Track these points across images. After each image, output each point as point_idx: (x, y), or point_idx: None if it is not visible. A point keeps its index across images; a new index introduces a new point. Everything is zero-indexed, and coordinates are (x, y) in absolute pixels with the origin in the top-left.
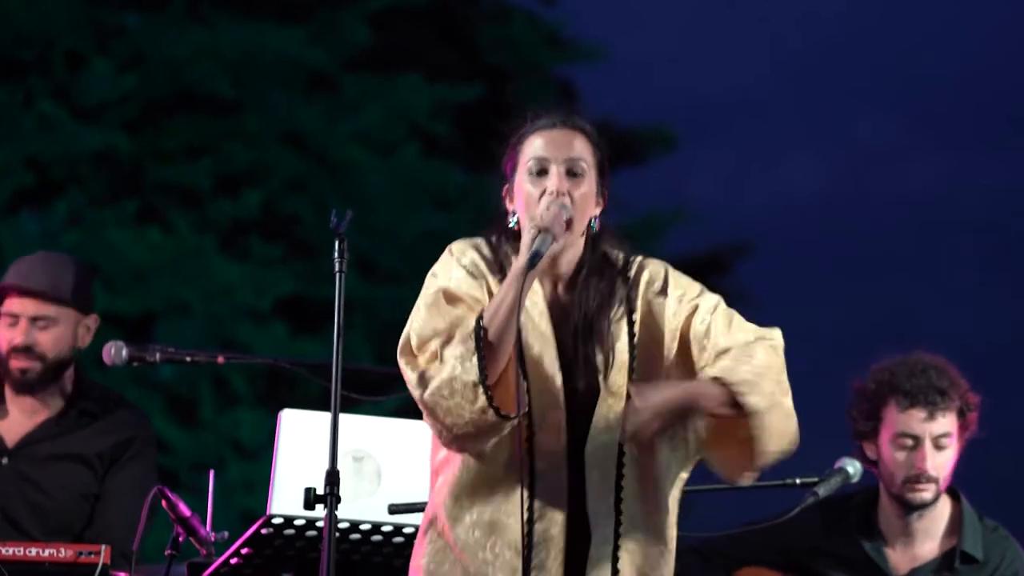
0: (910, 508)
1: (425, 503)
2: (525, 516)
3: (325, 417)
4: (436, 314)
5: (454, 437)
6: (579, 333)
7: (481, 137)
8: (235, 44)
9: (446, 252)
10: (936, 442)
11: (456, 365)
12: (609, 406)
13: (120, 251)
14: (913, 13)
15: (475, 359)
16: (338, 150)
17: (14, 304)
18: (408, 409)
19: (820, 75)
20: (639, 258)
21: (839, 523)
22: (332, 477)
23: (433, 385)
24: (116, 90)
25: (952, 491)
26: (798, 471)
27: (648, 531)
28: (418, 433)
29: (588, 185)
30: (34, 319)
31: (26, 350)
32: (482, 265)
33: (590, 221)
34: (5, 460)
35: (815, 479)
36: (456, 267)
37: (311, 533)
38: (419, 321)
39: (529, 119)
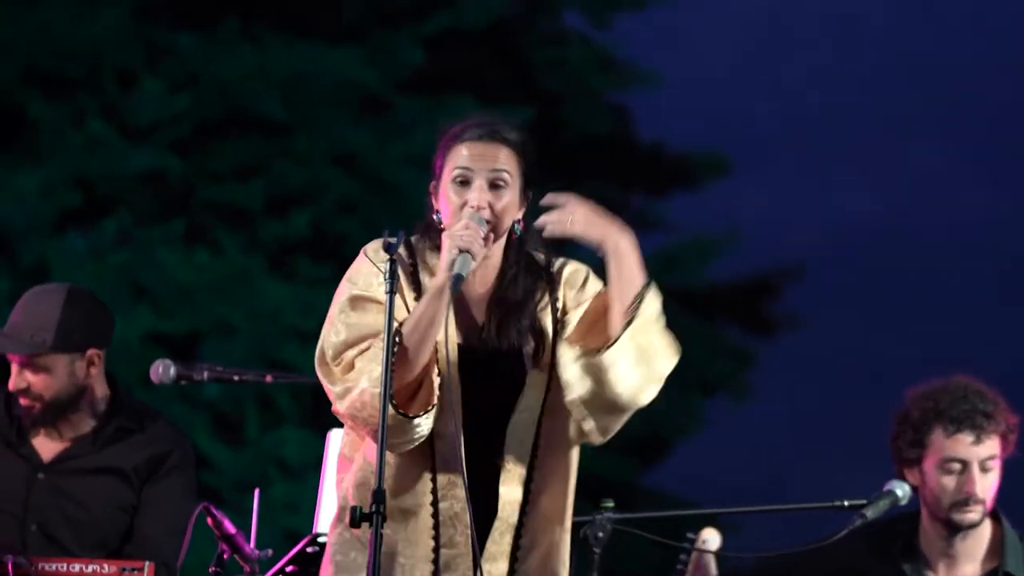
0: (956, 529)
1: None
2: (430, 498)
3: None
4: (348, 324)
5: (370, 438)
6: (499, 326)
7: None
8: (287, 65)
9: (360, 253)
10: (983, 465)
11: (366, 377)
12: (531, 392)
13: (168, 271)
14: (965, 41)
15: (388, 372)
16: (389, 171)
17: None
18: None
19: (872, 101)
20: (561, 262)
21: (884, 548)
22: (378, 496)
23: (348, 399)
24: (167, 110)
25: (993, 512)
26: (846, 493)
27: (552, 509)
28: None
29: (510, 196)
30: (23, 365)
31: (23, 392)
32: (395, 265)
33: (513, 225)
34: (41, 475)
35: (863, 501)
36: (369, 269)
37: None
38: (332, 332)
39: (460, 124)
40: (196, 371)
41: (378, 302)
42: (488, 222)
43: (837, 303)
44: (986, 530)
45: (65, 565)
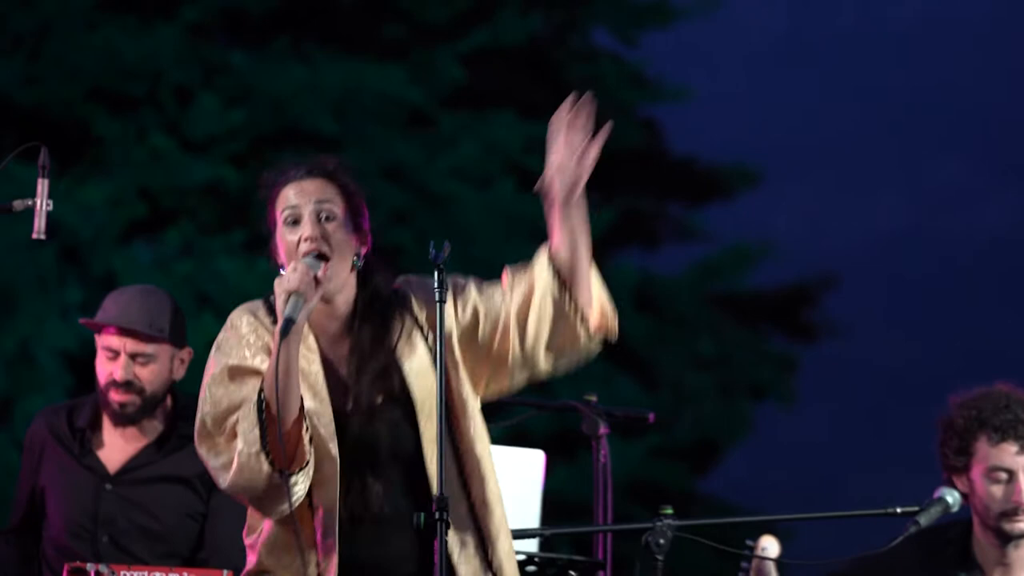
0: (1007, 539)
1: (534, 529)
2: (313, 571)
3: None
4: (224, 393)
5: (263, 510)
6: (361, 371)
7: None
8: (336, 81)
9: (227, 322)
10: None
11: (240, 441)
12: (419, 425)
13: (229, 280)
14: (996, 57)
15: (256, 431)
16: (437, 184)
17: (113, 340)
18: (511, 437)
19: (905, 114)
20: (409, 278)
21: (937, 555)
22: (441, 503)
23: (232, 470)
24: (223, 124)
25: None
26: (898, 500)
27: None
28: (525, 461)
29: (341, 225)
30: (133, 355)
31: (126, 385)
32: (260, 328)
33: (354, 260)
34: (108, 486)
35: (915, 508)
36: (236, 338)
37: None
38: (209, 403)
39: (276, 172)
40: None
41: (254, 371)
42: (322, 256)
43: (873, 312)
44: None
45: (146, 574)
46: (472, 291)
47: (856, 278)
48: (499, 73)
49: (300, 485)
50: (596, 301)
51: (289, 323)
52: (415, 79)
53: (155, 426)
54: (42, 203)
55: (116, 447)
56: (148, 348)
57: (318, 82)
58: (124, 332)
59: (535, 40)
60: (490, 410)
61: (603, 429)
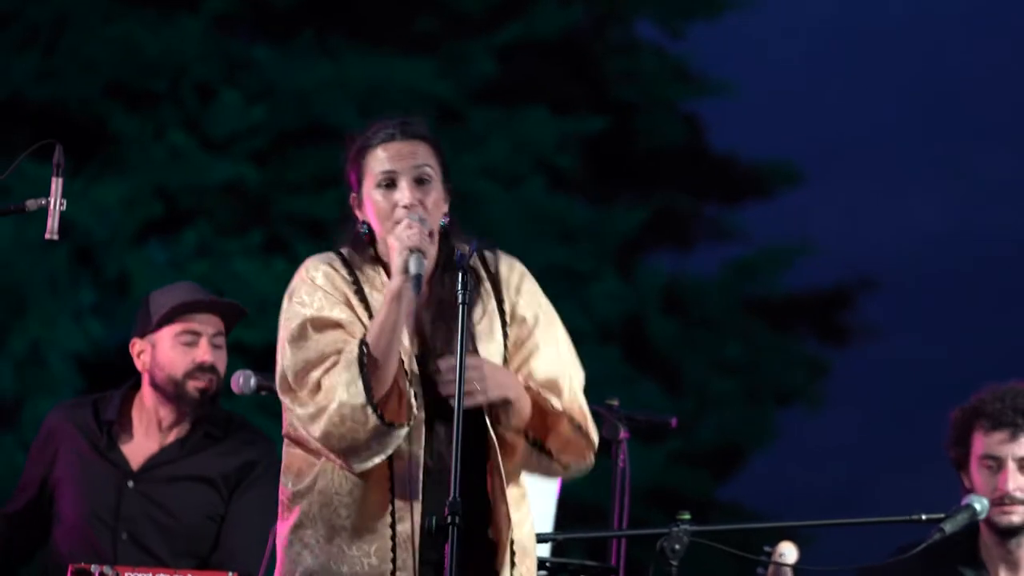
0: (1003, 533)
1: (548, 534)
2: (388, 520)
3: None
4: (305, 346)
5: (353, 460)
6: (441, 334)
7: (606, 170)
8: (362, 76)
9: (300, 271)
10: (1021, 463)
11: (342, 392)
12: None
13: (246, 281)
14: None
15: (360, 383)
16: (464, 182)
17: (194, 322)
18: None
19: (944, 111)
20: (497, 254)
21: (944, 554)
22: (455, 507)
23: (324, 419)
24: (245, 121)
25: None
26: (922, 505)
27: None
28: None
29: (436, 190)
30: (213, 335)
31: (211, 369)
32: (336, 277)
33: (441, 220)
34: (131, 483)
35: (941, 515)
36: (313, 288)
37: None
38: (289, 356)
39: (369, 129)
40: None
41: (335, 322)
42: (422, 220)
43: (912, 313)
44: None
45: (151, 575)
46: (532, 341)
47: (895, 279)
48: (533, 67)
49: (402, 438)
50: (568, 444)
51: (419, 279)
52: (444, 73)
53: (186, 423)
54: (56, 203)
55: (141, 443)
56: (222, 329)
57: (343, 77)
58: (210, 309)
59: (572, 32)
60: None
61: (623, 434)
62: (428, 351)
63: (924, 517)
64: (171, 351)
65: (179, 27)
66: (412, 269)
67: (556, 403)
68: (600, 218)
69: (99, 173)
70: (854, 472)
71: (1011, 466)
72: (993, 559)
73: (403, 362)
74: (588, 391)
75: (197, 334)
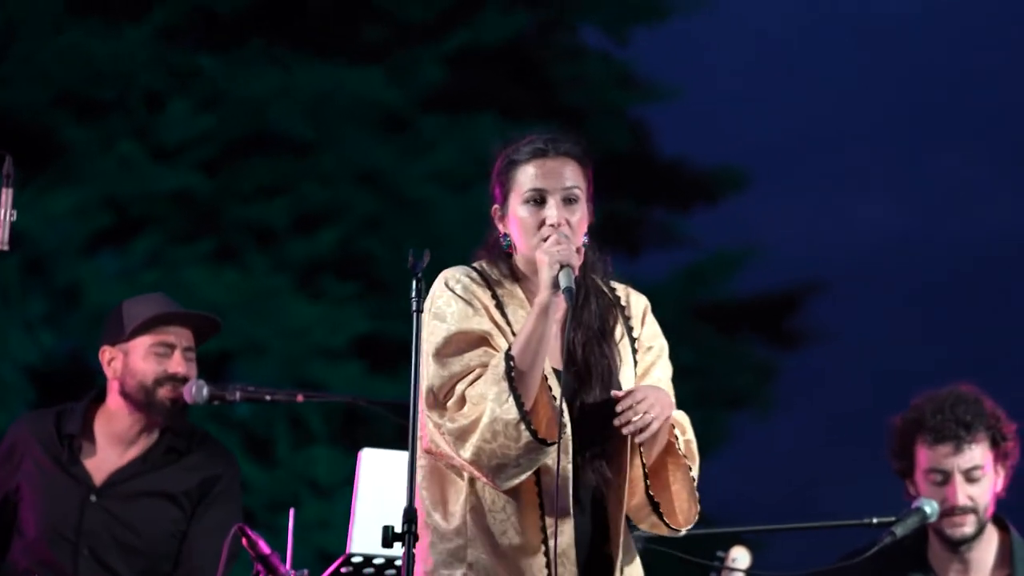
0: (951, 542)
1: None
2: (540, 536)
3: (403, 456)
4: (450, 360)
5: (501, 477)
6: (588, 350)
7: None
8: (310, 85)
9: (440, 284)
10: (967, 475)
11: (494, 407)
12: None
13: (197, 290)
14: (992, 50)
15: (511, 398)
16: (413, 189)
17: (168, 334)
18: None
19: (892, 114)
20: (624, 286)
21: (893, 559)
22: (410, 515)
23: (475, 436)
24: (194, 130)
25: (999, 521)
26: (874, 510)
27: (628, 536)
28: None
29: (581, 210)
30: (186, 349)
31: (183, 380)
32: (475, 288)
33: (584, 239)
34: (93, 498)
35: (892, 519)
36: (455, 300)
37: (390, 572)
38: (435, 371)
39: (519, 144)
40: (228, 391)
41: (480, 336)
42: (568, 238)
43: (861, 317)
44: (992, 539)
45: None
46: (656, 372)
47: (844, 282)
48: (480, 74)
49: (553, 454)
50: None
51: (570, 292)
52: (393, 81)
53: (153, 435)
54: (6, 213)
55: (104, 457)
56: (193, 343)
57: (292, 86)
58: (185, 321)
59: (518, 39)
60: None
61: None
62: (573, 368)
63: (875, 521)
64: (144, 361)
65: (127, 36)
66: (563, 283)
67: (682, 446)
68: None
69: (49, 183)
70: (805, 476)
71: (958, 478)
72: (941, 565)
73: (546, 377)
74: None
75: (171, 346)
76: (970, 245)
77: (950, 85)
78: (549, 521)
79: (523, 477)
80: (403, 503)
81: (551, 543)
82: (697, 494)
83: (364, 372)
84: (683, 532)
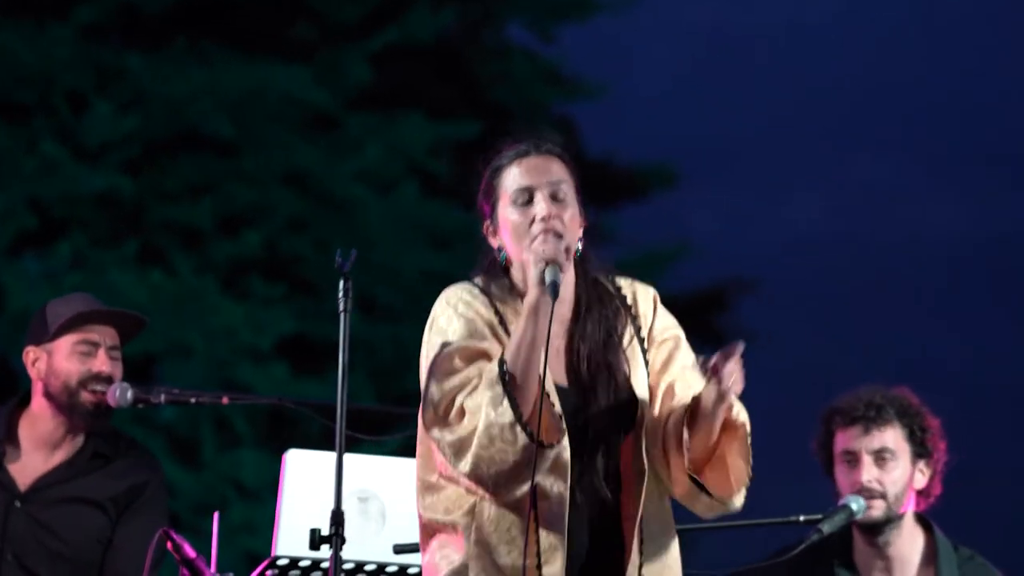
0: (868, 530)
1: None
2: (535, 560)
3: (330, 457)
4: (449, 377)
5: (501, 487)
6: (592, 364)
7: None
8: (236, 84)
9: (441, 302)
10: (876, 456)
11: (488, 412)
12: (637, 434)
13: (122, 292)
14: (915, 53)
15: (506, 401)
16: (339, 189)
17: (92, 333)
18: (411, 448)
19: (819, 114)
20: (629, 281)
21: (821, 557)
22: (337, 517)
23: (473, 445)
24: (117, 131)
25: (924, 522)
26: (802, 509)
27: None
28: None
29: (572, 207)
30: (111, 348)
31: (107, 379)
32: (477, 304)
33: (577, 242)
34: (18, 504)
35: (819, 516)
36: (456, 318)
37: (316, 574)
38: (434, 388)
39: (502, 152)
40: (153, 394)
41: (479, 351)
42: (559, 235)
43: (790, 316)
44: (917, 540)
45: None
46: (678, 362)
47: (772, 281)
48: (407, 72)
49: (550, 460)
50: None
51: (555, 287)
52: (320, 80)
53: (75, 442)
54: None
55: (29, 463)
56: (118, 341)
57: (217, 84)
58: (109, 320)
59: (445, 37)
60: (387, 421)
61: None
62: (577, 384)
63: (802, 518)
64: (67, 360)
65: (49, 36)
66: (548, 277)
67: (737, 410)
68: (475, 223)
69: None
70: None
71: (866, 459)
72: (865, 562)
73: (543, 382)
74: None
75: (95, 344)
76: (893, 245)
77: (875, 87)
78: (544, 545)
79: (525, 487)
80: (330, 505)
81: (545, 570)
82: (750, 465)
83: (290, 373)
84: (738, 503)
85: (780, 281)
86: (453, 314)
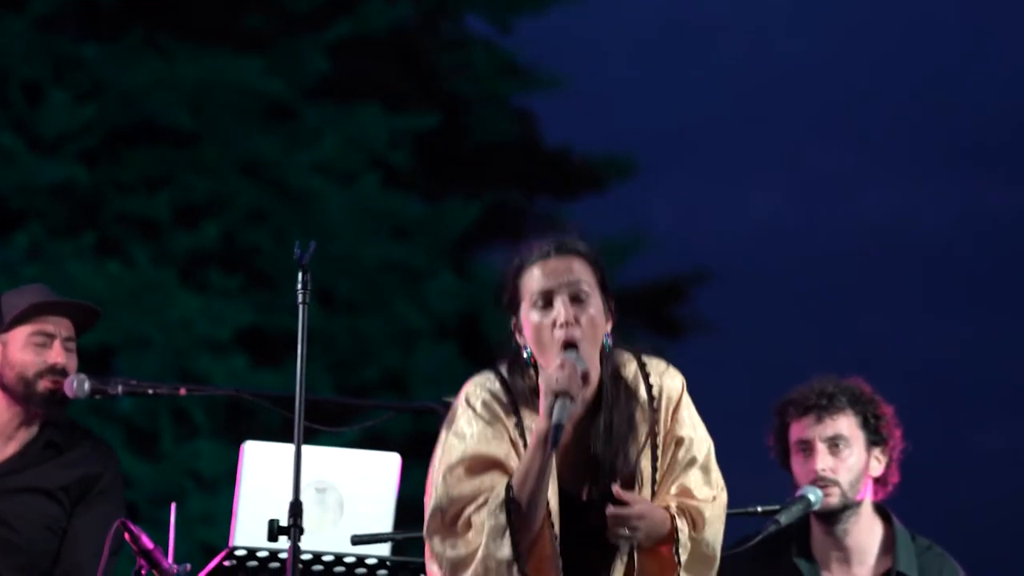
0: (824, 518)
1: (387, 533)
2: None
3: (288, 449)
4: (460, 485)
5: None
6: (603, 469)
7: (439, 166)
8: (193, 74)
9: (461, 400)
10: (829, 444)
11: (489, 544)
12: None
13: (79, 284)
14: (864, 44)
15: (507, 535)
16: (297, 180)
17: (47, 324)
18: (368, 439)
19: (775, 105)
20: (661, 369)
21: (779, 547)
22: (295, 508)
23: (468, 572)
24: (74, 121)
25: (882, 512)
26: (759, 499)
27: None
28: (380, 464)
29: (594, 306)
30: (66, 339)
31: (62, 371)
32: (497, 407)
33: (604, 340)
34: None
35: (776, 507)
36: (475, 420)
37: (274, 565)
38: (442, 491)
39: (524, 251)
40: (110, 385)
41: (494, 461)
42: (574, 344)
43: (745, 306)
44: (876, 529)
45: None
46: (684, 461)
47: (730, 272)
48: (365, 63)
49: None
50: None
51: (558, 430)
52: (276, 71)
53: (29, 432)
54: None
55: None
56: (73, 333)
57: (174, 75)
58: (64, 311)
59: (402, 28)
60: (345, 413)
61: None
62: (581, 488)
63: (760, 509)
64: (22, 352)
65: (4, 27)
66: (555, 415)
67: (683, 553)
68: (434, 214)
69: None
70: None
71: (820, 447)
72: (824, 552)
73: (550, 513)
74: (424, 389)
75: (50, 336)
76: (845, 233)
77: (828, 78)
78: None
79: None
80: (288, 496)
81: None
82: None
83: (249, 365)
84: None
85: (738, 272)
86: (473, 416)
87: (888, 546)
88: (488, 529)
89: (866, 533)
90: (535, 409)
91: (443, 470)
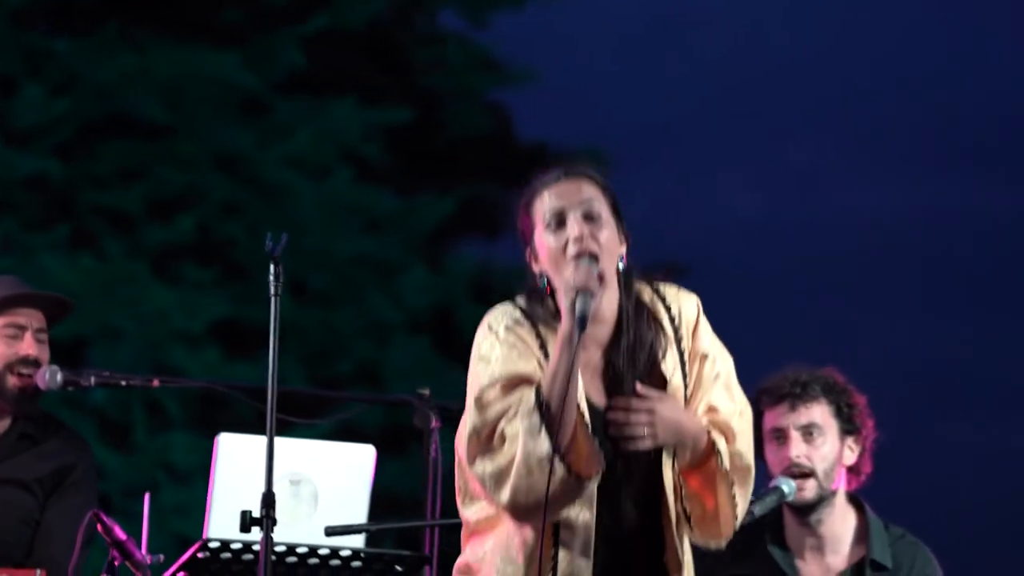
0: (800, 511)
1: (361, 525)
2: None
3: (261, 440)
4: (492, 406)
5: (536, 517)
6: (629, 385)
7: (413, 161)
8: (167, 68)
9: (484, 327)
10: (804, 432)
11: (526, 441)
12: (671, 454)
13: (53, 276)
14: (848, 38)
15: (543, 432)
16: (271, 174)
17: (19, 316)
18: (342, 432)
19: (753, 98)
20: (675, 290)
21: (753, 537)
22: (268, 500)
23: (511, 477)
24: (48, 114)
25: (856, 501)
26: None
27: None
28: (354, 456)
29: (608, 228)
30: (38, 331)
31: (34, 362)
32: (519, 330)
33: (618, 261)
34: None
35: (751, 498)
36: (499, 344)
37: (248, 557)
38: (476, 416)
39: (534, 179)
40: (83, 377)
41: (521, 376)
42: (594, 256)
43: (722, 301)
44: (849, 519)
45: None
46: (710, 377)
47: (705, 266)
48: (339, 58)
49: (589, 491)
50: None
51: (583, 319)
52: (251, 65)
53: (1, 424)
54: None
55: None
56: (45, 324)
57: (148, 69)
58: (35, 303)
59: (378, 23)
60: (320, 405)
61: (435, 423)
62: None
63: None
64: None
65: None
66: (578, 307)
67: (725, 460)
68: (408, 208)
69: None
70: None
71: (794, 435)
72: (797, 541)
73: (583, 413)
74: (398, 382)
75: (22, 327)
76: (824, 228)
77: (804, 73)
78: (564, 569)
79: (560, 513)
80: (261, 488)
81: None
82: (739, 507)
83: (222, 357)
84: (722, 543)
85: (711, 265)
86: (495, 340)
87: (862, 535)
88: (523, 430)
89: (840, 522)
90: (556, 331)
91: (474, 395)
